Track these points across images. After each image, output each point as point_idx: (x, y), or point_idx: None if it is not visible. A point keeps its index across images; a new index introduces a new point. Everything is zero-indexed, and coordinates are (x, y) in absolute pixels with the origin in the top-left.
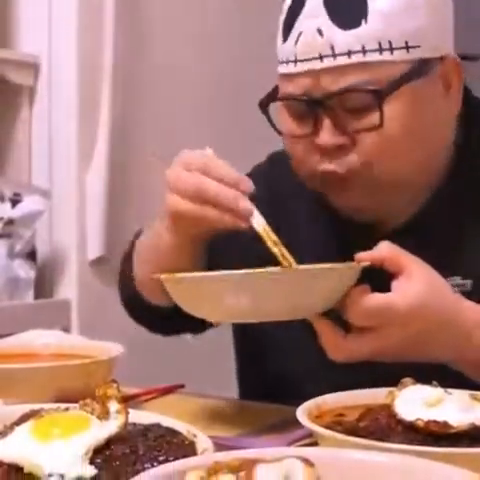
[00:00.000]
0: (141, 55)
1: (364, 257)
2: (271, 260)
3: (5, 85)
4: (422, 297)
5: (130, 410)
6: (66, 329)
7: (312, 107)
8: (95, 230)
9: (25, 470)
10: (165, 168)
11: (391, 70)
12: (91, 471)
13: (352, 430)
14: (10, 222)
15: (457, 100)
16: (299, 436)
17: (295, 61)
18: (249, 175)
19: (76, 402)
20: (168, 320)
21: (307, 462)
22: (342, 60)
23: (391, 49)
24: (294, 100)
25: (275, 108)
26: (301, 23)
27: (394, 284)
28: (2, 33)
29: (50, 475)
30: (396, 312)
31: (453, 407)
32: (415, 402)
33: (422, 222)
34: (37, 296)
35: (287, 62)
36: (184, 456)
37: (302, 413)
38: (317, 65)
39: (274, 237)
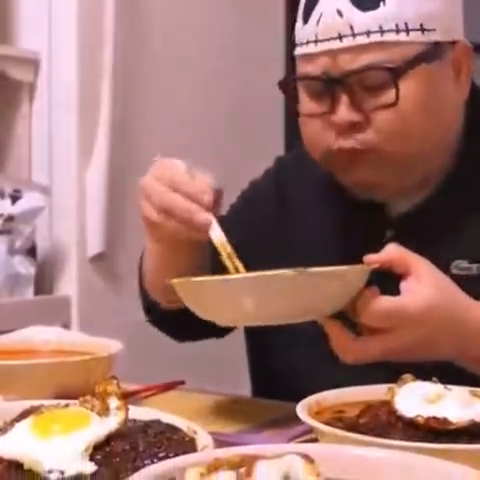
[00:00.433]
0: (141, 51)
1: (372, 259)
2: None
3: (5, 81)
4: (432, 298)
5: (130, 406)
6: (66, 325)
7: (330, 86)
8: (95, 226)
9: (25, 466)
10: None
11: (407, 50)
12: (91, 467)
13: (352, 426)
14: (10, 218)
15: (466, 85)
16: (299, 432)
17: (315, 41)
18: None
19: (76, 399)
20: (190, 326)
21: (307, 458)
22: (361, 40)
23: (407, 30)
24: (312, 80)
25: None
26: (322, 5)
27: (403, 285)
28: (2, 29)
29: (50, 471)
30: (407, 314)
31: (453, 403)
32: (415, 398)
33: (430, 206)
34: (37, 292)
35: (307, 43)
36: (184, 452)
37: (302, 409)
38: (336, 44)
39: (229, 250)
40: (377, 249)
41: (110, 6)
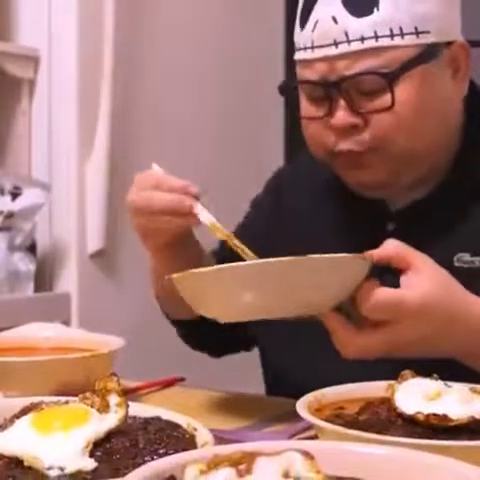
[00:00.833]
0: (141, 48)
1: (372, 255)
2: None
3: (5, 78)
4: (432, 292)
5: (130, 403)
6: (66, 322)
7: (328, 91)
8: (95, 223)
9: (25, 463)
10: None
11: (402, 54)
12: (91, 464)
13: (352, 423)
14: (10, 215)
15: (464, 83)
16: (299, 429)
17: (312, 47)
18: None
19: (76, 395)
20: (215, 339)
21: (307, 455)
22: (356, 46)
23: (402, 34)
24: (311, 85)
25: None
26: (317, 11)
27: (403, 279)
28: (2, 26)
29: (50, 468)
30: (408, 306)
31: (453, 400)
32: (415, 395)
33: (431, 200)
34: (37, 289)
35: (305, 48)
36: (184, 449)
37: (302, 406)
38: (332, 51)
39: (223, 229)
40: (378, 243)
41: (110, 2)
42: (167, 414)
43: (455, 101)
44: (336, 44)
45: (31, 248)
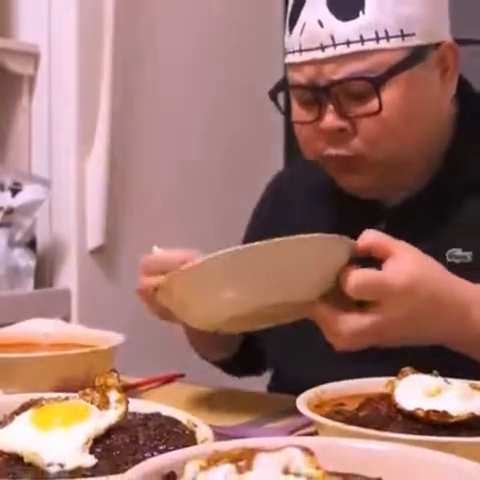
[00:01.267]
0: (141, 44)
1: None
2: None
3: (5, 74)
4: (413, 271)
5: (130, 399)
6: (66, 318)
7: (316, 94)
8: (95, 219)
9: (25, 459)
10: None
11: (388, 57)
12: (91, 460)
13: (352, 419)
14: (10, 211)
15: (453, 83)
16: (299, 425)
17: (300, 51)
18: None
19: (76, 391)
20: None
21: (307, 451)
22: (341, 50)
23: (387, 37)
24: (299, 88)
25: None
26: (304, 14)
27: (383, 266)
28: (2, 22)
29: (50, 464)
30: (391, 285)
31: (453, 396)
32: (415, 391)
33: (422, 197)
34: (37, 285)
35: (293, 52)
36: (184, 445)
37: (302, 402)
38: (319, 55)
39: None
40: None
41: None
42: (167, 410)
43: (444, 101)
44: (323, 48)
45: (31, 244)
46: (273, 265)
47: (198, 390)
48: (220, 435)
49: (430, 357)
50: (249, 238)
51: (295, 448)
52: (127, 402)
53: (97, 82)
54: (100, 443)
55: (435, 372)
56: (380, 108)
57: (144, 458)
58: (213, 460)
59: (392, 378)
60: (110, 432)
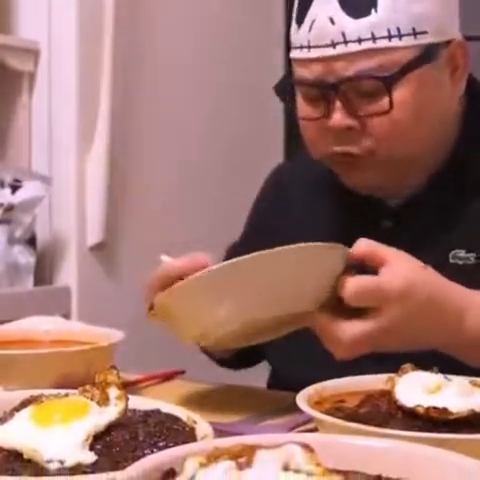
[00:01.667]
0: (142, 42)
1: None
2: None
3: (5, 71)
4: (409, 278)
5: (130, 396)
6: (66, 315)
7: (325, 91)
8: (95, 216)
9: (25, 456)
10: None
11: (400, 56)
12: (91, 457)
13: (352, 416)
14: (10, 208)
15: (462, 81)
16: (299, 422)
17: (308, 47)
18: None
19: (76, 388)
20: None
21: (307, 448)
22: (353, 47)
23: (399, 36)
24: (307, 85)
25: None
26: (314, 10)
27: (379, 274)
28: (2, 19)
29: (50, 461)
30: (389, 291)
31: (453, 393)
32: (415, 388)
33: (426, 196)
34: (37, 282)
35: (301, 48)
36: (184, 442)
37: (302, 399)
38: (329, 52)
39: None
40: (374, 240)
41: None
42: (167, 407)
43: (453, 100)
44: (333, 45)
45: (31, 241)
46: (269, 276)
47: (198, 387)
48: (220, 432)
49: (429, 360)
50: (248, 236)
51: (295, 445)
52: (127, 399)
53: (97, 79)
54: (100, 440)
55: (435, 369)
56: (391, 107)
57: (144, 455)
58: (213, 457)
59: (392, 375)
60: (110, 429)
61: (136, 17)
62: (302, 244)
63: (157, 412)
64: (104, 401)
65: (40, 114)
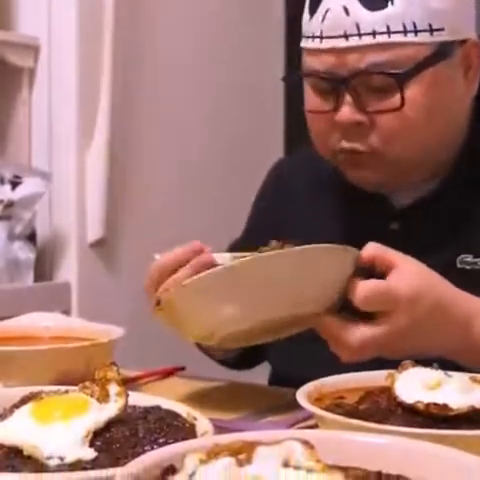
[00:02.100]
0: (142, 38)
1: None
2: None
3: (5, 67)
4: (417, 283)
5: (130, 393)
6: (66, 312)
7: (335, 84)
8: (95, 212)
9: (25, 452)
10: None
11: (414, 52)
12: (91, 453)
13: (352, 412)
14: (10, 204)
15: (475, 81)
16: (299, 419)
17: (321, 37)
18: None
19: (76, 385)
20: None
21: (307, 444)
22: (367, 40)
23: (415, 31)
24: (317, 77)
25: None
26: (328, 0)
27: (387, 278)
28: (2, 15)
29: (49, 457)
30: (398, 295)
31: (453, 389)
32: (415, 384)
33: (435, 198)
34: (37, 278)
35: (313, 38)
36: (184, 439)
37: (302, 395)
38: (342, 43)
39: (239, 254)
40: (382, 242)
41: None
42: (167, 403)
43: (465, 100)
44: (346, 36)
45: (31, 237)
46: (279, 276)
47: (198, 383)
48: (220, 428)
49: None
50: (249, 232)
51: (295, 441)
52: (127, 395)
53: (97, 75)
54: (100, 436)
55: (435, 365)
56: (402, 104)
57: (144, 451)
58: (213, 453)
59: (392, 371)
60: (110, 425)
61: (136, 14)
62: (316, 245)
63: (157, 408)
64: (104, 398)
65: (40, 110)
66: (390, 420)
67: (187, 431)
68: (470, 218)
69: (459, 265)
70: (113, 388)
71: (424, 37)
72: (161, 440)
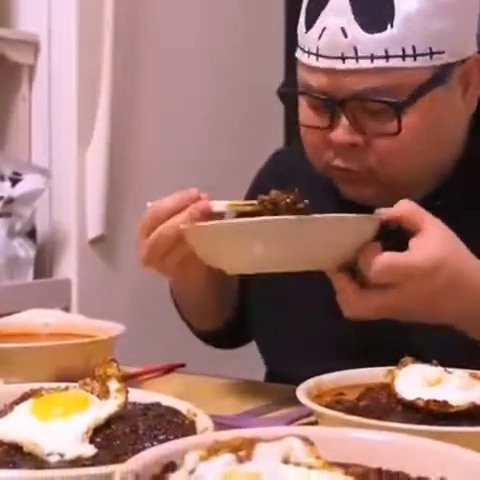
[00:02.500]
0: (142, 34)
1: (382, 212)
2: None
3: (5, 63)
4: (440, 255)
5: (130, 389)
6: (66, 308)
7: (330, 104)
8: (95, 209)
9: (24, 449)
10: None
11: (413, 77)
12: (91, 450)
13: (352, 409)
14: (10, 201)
15: (474, 99)
16: (299, 415)
17: (317, 55)
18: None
19: (76, 381)
20: (229, 337)
21: (307, 441)
22: (364, 63)
23: (414, 55)
24: (312, 95)
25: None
26: (325, 18)
27: (411, 242)
28: (2, 12)
29: (50, 454)
30: (414, 269)
31: (453, 386)
32: (415, 381)
33: (429, 203)
34: (37, 275)
35: (309, 53)
36: (184, 435)
37: (302, 392)
38: (338, 65)
39: (239, 201)
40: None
41: None
42: (167, 400)
43: (463, 117)
44: (343, 58)
45: (31, 234)
46: (304, 238)
47: (198, 380)
48: (220, 425)
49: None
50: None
51: (295, 438)
52: (127, 392)
53: (97, 72)
54: (100, 433)
55: (435, 362)
56: (399, 130)
57: (144, 448)
58: (213, 450)
59: (392, 368)
60: (110, 422)
61: (136, 9)
62: (341, 214)
63: (157, 405)
64: (104, 394)
65: (40, 107)
66: (390, 417)
67: (187, 428)
68: (464, 231)
69: None
70: (113, 385)
71: (423, 61)
72: (161, 437)
